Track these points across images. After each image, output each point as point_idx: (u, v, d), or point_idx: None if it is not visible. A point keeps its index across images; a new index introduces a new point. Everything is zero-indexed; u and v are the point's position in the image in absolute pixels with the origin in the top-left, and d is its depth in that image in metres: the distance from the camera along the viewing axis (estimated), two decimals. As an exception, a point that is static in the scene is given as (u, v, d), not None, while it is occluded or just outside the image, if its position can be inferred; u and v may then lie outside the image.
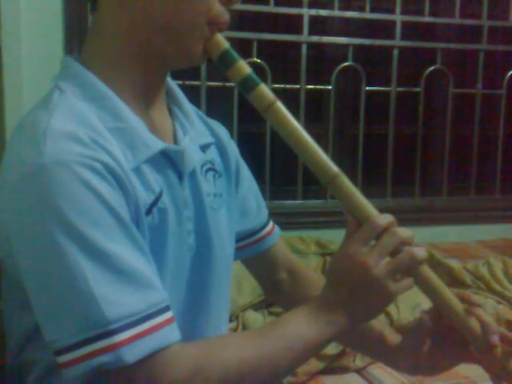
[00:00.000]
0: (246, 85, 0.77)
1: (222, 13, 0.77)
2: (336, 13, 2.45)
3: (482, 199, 2.71)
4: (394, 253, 0.76)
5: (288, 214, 2.42)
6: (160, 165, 0.78)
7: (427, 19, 2.56)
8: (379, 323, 0.97)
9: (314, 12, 2.39)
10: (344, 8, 2.49)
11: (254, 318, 1.69)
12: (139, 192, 0.73)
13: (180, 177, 0.80)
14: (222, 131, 0.97)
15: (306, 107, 2.42)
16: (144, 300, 0.67)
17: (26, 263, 0.68)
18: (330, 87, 2.48)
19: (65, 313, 0.65)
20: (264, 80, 2.45)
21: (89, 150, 0.68)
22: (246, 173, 1.01)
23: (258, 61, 2.32)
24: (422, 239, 2.43)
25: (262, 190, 2.62)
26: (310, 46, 2.43)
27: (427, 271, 0.79)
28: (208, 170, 0.88)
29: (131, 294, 0.67)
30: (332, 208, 2.46)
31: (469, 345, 0.85)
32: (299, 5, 2.38)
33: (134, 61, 0.77)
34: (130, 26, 0.76)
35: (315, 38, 2.42)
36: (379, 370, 1.64)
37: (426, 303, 1.80)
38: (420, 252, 0.77)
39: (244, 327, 1.66)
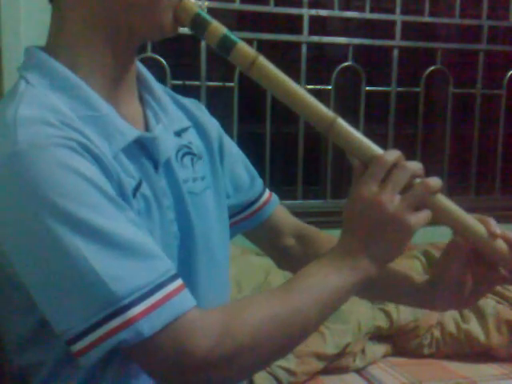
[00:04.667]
0: (224, 46, 0.75)
1: None
2: (336, 13, 2.45)
3: (481, 199, 2.71)
4: (406, 187, 0.73)
5: (288, 214, 2.42)
6: (135, 154, 0.75)
7: (427, 19, 2.56)
8: (402, 267, 0.92)
9: (313, 12, 2.39)
10: (344, 8, 2.49)
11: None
12: (121, 176, 0.71)
13: (156, 166, 0.78)
14: (199, 111, 0.94)
15: (305, 107, 2.41)
16: (150, 270, 0.65)
17: (20, 257, 0.65)
18: (330, 87, 2.48)
19: (72, 299, 0.63)
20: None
21: (61, 131, 0.66)
22: (231, 147, 0.98)
23: (258, 61, 2.32)
24: (421, 239, 2.42)
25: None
26: (310, 46, 2.43)
27: (444, 200, 0.77)
28: (184, 154, 0.85)
29: (136, 266, 0.64)
30: (332, 208, 2.46)
31: (497, 267, 0.82)
32: (299, 5, 2.38)
33: (100, 41, 0.75)
34: (93, 6, 0.74)
35: (315, 38, 2.42)
36: (379, 370, 1.64)
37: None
38: (433, 181, 0.75)
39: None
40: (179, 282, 0.67)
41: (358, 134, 0.76)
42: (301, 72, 2.39)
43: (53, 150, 0.64)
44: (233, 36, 0.76)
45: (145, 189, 0.74)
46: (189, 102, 0.94)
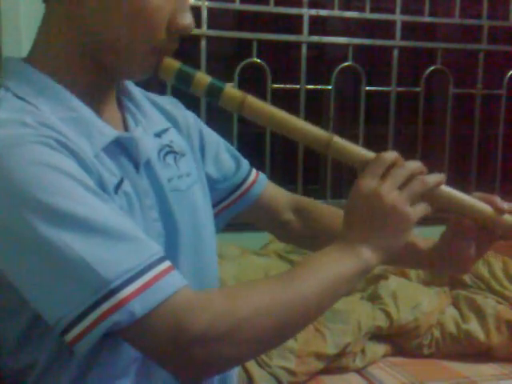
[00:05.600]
0: (212, 93, 0.78)
1: (170, 41, 0.75)
2: (336, 13, 2.45)
3: (482, 199, 2.71)
4: (405, 184, 0.76)
5: (288, 214, 2.42)
6: (116, 153, 0.76)
7: (427, 19, 2.56)
8: None
9: (314, 12, 2.39)
10: (344, 8, 2.49)
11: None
12: (102, 173, 0.71)
13: (136, 166, 0.79)
14: (176, 109, 0.95)
15: (305, 107, 2.42)
16: (138, 252, 0.65)
17: (5, 255, 0.65)
18: (330, 87, 2.48)
19: (62, 288, 0.64)
20: (264, 80, 2.44)
21: (38, 131, 0.66)
22: (210, 136, 0.99)
23: (258, 61, 2.32)
24: (421, 239, 2.43)
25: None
26: (310, 46, 2.43)
27: (445, 189, 0.81)
28: (167, 153, 0.86)
29: (122, 250, 0.65)
30: (332, 208, 2.46)
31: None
32: (299, 5, 2.38)
33: (78, 64, 0.76)
34: (73, 37, 0.75)
35: (315, 38, 2.42)
36: (379, 370, 1.64)
37: (426, 303, 1.80)
38: (433, 178, 0.77)
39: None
40: (167, 263, 0.67)
41: (355, 147, 0.79)
42: (301, 72, 2.40)
43: (28, 147, 0.65)
44: (219, 82, 0.78)
45: (127, 186, 0.75)
46: (166, 102, 0.95)
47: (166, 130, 0.89)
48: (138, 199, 0.77)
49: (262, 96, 2.37)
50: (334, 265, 0.74)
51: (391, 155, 0.77)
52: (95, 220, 0.65)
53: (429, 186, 0.77)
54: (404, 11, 2.52)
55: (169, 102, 0.95)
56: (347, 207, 0.79)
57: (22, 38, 1.91)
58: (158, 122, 0.88)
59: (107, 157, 0.74)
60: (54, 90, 0.74)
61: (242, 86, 2.32)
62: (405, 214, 0.74)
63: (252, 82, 2.41)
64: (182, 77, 0.77)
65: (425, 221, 0.83)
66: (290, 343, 1.59)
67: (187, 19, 0.75)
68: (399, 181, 0.75)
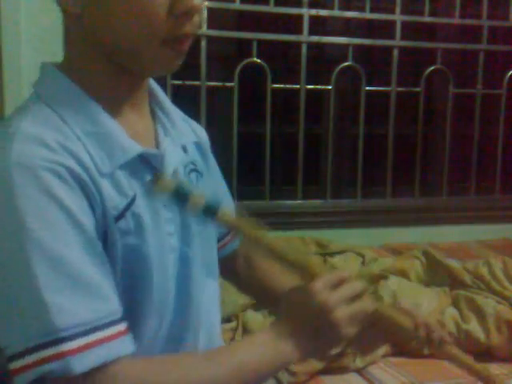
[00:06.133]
0: (209, 212, 0.78)
1: (179, 26, 0.73)
2: (336, 13, 2.45)
3: (481, 199, 2.71)
4: (351, 301, 0.79)
5: (288, 214, 2.42)
6: (137, 169, 0.77)
7: (427, 19, 2.56)
8: None
9: (314, 12, 2.39)
10: (344, 8, 2.49)
11: (254, 317, 1.69)
12: (109, 197, 0.72)
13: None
14: (200, 130, 0.97)
15: (305, 107, 2.42)
16: (96, 310, 0.67)
17: None
18: (330, 87, 2.48)
19: (16, 318, 0.65)
20: (264, 80, 2.44)
21: (53, 155, 0.68)
22: (216, 172, 1.01)
23: (258, 61, 2.32)
24: (422, 239, 2.43)
25: (262, 190, 2.61)
26: (310, 46, 2.43)
27: (384, 308, 0.88)
28: (191, 171, 0.88)
29: (83, 303, 0.66)
30: (332, 208, 2.46)
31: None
32: (299, 5, 2.38)
33: (103, 64, 0.76)
34: (90, 42, 0.75)
35: (315, 38, 2.42)
36: (379, 370, 1.64)
37: (426, 303, 1.80)
38: (369, 305, 0.80)
39: (244, 327, 1.66)
40: (120, 327, 0.69)
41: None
42: (301, 72, 2.39)
43: (38, 172, 0.66)
44: (213, 202, 0.78)
45: (137, 206, 0.76)
46: (192, 122, 0.97)
47: (191, 144, 0.90)
48: (152, 215, 0.78)
49: (262, 96, 2.38)
50: (255, 355, 0.76)
51: (347, 273, 0.80)
52: (71, 266, 0.66)
53: (370, 311, 0.80)
54: (404, 11, 2.52)
55: (195, 123, 0.97)
56: (290, 297, 0.81)
57: (22, 39, 1.91)
58: (187, 133, 0.90)
59: (126, 173, 0.75)
60: (83, 101, 0.75)
61: (242, 85, 2.32)
62: (341, 332, 0.76)
63: (252, 82, 2.41)
64: (178, 196, 0.77)
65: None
66: (290, 343, 1.59)
67: None
68: (349, 297, 0.78)
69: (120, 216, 0.74)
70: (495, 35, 2.69)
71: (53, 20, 1.95)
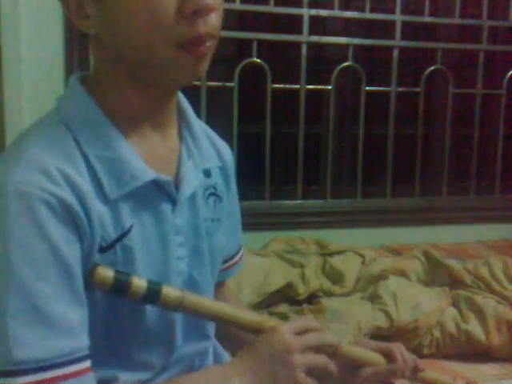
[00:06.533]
0: (151, 296, 0.75)
1: (191, 26, 0.70)
2: (336, 13, 2.45)
3: (482, 199, 2.71)
4: (314, 351, 0.80)
5: (288, 214, 2.42)
6: (148, 195, 0.76)
7: (427, 19, 2.56)
8: None
9: (314, 12, 2.39)
10: (344, 8, 2.49)
11: (254, 318, 1.69)
12: (101, 228, 0.72)
13: (174, 204, 0.79)
14: (227, 153, 0.95)
15: (306, 107, 2.42)
16: (57, 347, 0.66)
17: None
18: (330, 87, 2.48)
19: None
20: (264, 80, 2.43)
21: (50, 184, 0.67)
22: (234, 196, 0.99)
23: (258, 61, 2.32)
24: (422, 239, 2.43)
25: (262, 190, 2.60)
26: (310, 46, 2.43)
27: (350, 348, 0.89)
28: (210, 194, 0.87)
29: (46, 338, 0.65)
30: (332, 208, 2.46)
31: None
32: (299, 5, 2.38)
33: (126, 82, 0.76)
34: (110, 59, 0.75)
35: (315, 38, 2.42)
36: (379, 370, 1.64)
37: (426, 303, 1.80)
38: (329, 362, 0.81)
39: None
40: (80, 366, 0.67)
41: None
42: (301, 72, 2.39)
43: (33, 202, 0.66)
44: (154, 284, 0.75)
45: (130, 239, 0.74)
46: (221, 142, 0.95)
47: (215, 169, 0.89)
48: (159, 242, 0.77)
49: (262, 96, 2.38)
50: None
51: (317, 323, 0.82)
52: (43, 301, 0.66)
53: (330, 368, 0.81)
54: (404, 11, 2.52)
55: (223, 144, 0.96)
56: (253, 338, 0.81)
57: (22, 39, 1.91)
58: (211, 158, 0.88)
59: (131, 201, 0.74)
60: (101, 124, 0.74)
61: (242, 85, 2.32)
62: (297, 377, 0.77)
63: (252, 82, 2.41)
64: (118, 286, 0.72)
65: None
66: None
67: None
68: (313, 344, 0.79)
69: (109, 247, 0.73)
70: (495, 35, 2.69)
71: (53, 20, 1.95)
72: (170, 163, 0.81)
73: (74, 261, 0.69)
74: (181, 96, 0.86)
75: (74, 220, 0.69)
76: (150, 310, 0.78)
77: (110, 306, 0.75)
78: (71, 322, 0.67)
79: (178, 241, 0.80)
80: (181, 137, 0.84)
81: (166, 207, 0.78)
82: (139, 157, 0.75)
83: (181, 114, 0.86)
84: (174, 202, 0.79)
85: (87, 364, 0.69)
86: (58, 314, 0.66)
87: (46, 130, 0.74)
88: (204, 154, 0.86)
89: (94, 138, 0.73)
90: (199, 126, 0.89)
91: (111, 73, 0.76)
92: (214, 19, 0.72)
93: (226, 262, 1.00)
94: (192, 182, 0.82)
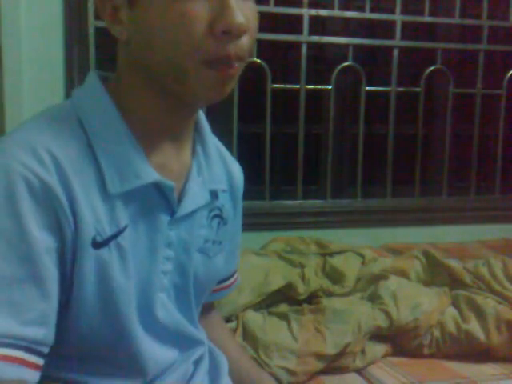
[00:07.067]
0: None
1: (221, 46, 0.69)
2: (336, 13, 2.45)
3: (482, 199, 2.71)
4: None
5: (288, 214, 2.42)
6: (148, 200, 0.76)
7: (427, 19, 2.56)
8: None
9: (314, 12, 2.39)
10: (344, 8, 2.48)
11: (254, 318, 1.69)
12: (97, 222, 0.71)
13: (172, 216, 0.78)
14: (238, 176, 0.95)
15: (305, 107, 2.42)
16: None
17: None
18: (330, 87, 2.48)
19: None
20: (264, 80, 2.43)
21: (36, 164, 0.67)
22: (238, 220, 0.99)
23: (258, 61, 2.32)
24: (422, 239, 2.43)
25: (262, 190, 2.60)
26: (310, 46, 2.43)
27: None
28: (214, 216, 0.87)
29: None
30: (332, 208, 2.46)
31: None
32: (299, 5, 2.38)
33: (146, 98, 0.75)
34: (136, 67, 0.75)
35: (315, 38, 2.42)
36: (379, 370, 1.64)
37: (426, 303, 1.80)
38: None
39: (244, 327, 1.66)
40: (10, 352, 0.64)
41: None
42: (301, 72, 2.39)
43: (13, 177, 0.65)
44: None
45: (124, 238, 0.74)
46: (234, 164, 0.95)
47: (222, 192, 0.89)
48: (147, 252, 0.76)
49: (262, 96, 2.38)
50: None
51: None
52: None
53: None
54: (404, 11, 2.52)
55: (236, 166, 0.95)
56: None
57: (22, 39, 1.91)
58: (219, 180, 0.88)
59: (131, 200, 0.74)
60: (115, 122, 0.74)
61: (242, 86, 2.32)
62: None
63: (252, 82, 2.41)
64: None
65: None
66: (290, 343, 1.59)
67: (232, 15, 0.67)
68: None
69: (103, 243, 0.72)
70: (495, 35, 2.69)
71: (53, 20, 1.95)
72: (179, 176, 0.80)
73: (44, 248, 0.66)
74: (200, 113, 0.85)
75: (53, 205, 0.67)
76: (127, 344, 0.76)
77: (89, 333, 0.73)
78: (15, 303, 0.64)
79: (166, 254, 0.79)
80: (194, 152, 0.83)
81: (164, 217, 0.77)
82: (147, 161, 0.75)
83: (197, 130, 0.85)
84: (172, 213, 0.78)
85: (8, 352, 0.64)
86: (11, 296, 0.64)
87: (53, 115, 0.74)
88: (214, 174, 0.85)
89: (104, 131, 0.73)
90: (214, 144, 0.88)
91: (134, 79, 0.75)
92: (245, 41, 0.72)
93: (217, 283, 1.00)
94: (197, 199, 0.81)
